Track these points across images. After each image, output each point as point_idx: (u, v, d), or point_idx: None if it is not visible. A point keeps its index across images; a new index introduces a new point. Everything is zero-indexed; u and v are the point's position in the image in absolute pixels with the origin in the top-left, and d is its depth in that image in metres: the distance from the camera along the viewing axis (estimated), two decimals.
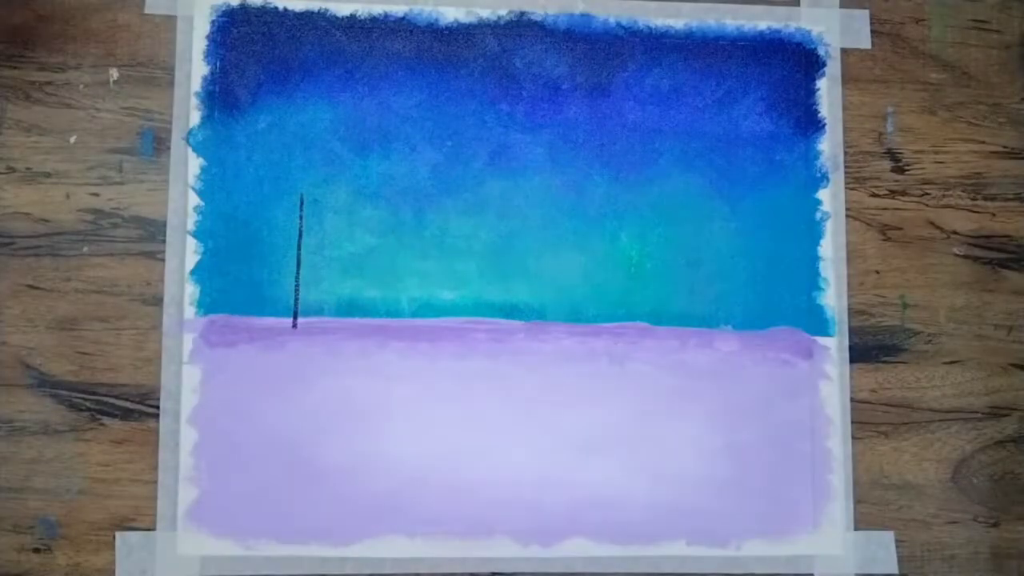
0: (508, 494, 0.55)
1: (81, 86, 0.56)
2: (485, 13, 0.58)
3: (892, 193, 0.59)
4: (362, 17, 0.58)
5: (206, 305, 0.55)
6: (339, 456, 0.55)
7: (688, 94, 0.58)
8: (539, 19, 0.58)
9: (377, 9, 0.58)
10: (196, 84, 0.56)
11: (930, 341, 0.59)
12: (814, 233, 0.58)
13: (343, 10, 0.57)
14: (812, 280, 0.58)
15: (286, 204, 0.56)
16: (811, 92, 0.59)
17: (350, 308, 0.56)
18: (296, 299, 0.56)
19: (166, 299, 0.55)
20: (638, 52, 0.59)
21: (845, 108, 0.59)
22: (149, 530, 0.54)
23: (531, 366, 0.55)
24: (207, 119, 0.56)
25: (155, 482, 0.54)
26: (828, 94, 0.59)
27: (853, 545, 0.56)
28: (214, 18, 0.57)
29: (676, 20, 0.59)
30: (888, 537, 0.57)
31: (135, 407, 0.55)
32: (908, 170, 0.60)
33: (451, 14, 0.58)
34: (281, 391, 0.55)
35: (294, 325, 0.55)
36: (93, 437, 0.54)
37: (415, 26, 0.58)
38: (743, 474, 0.56)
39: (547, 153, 0.58)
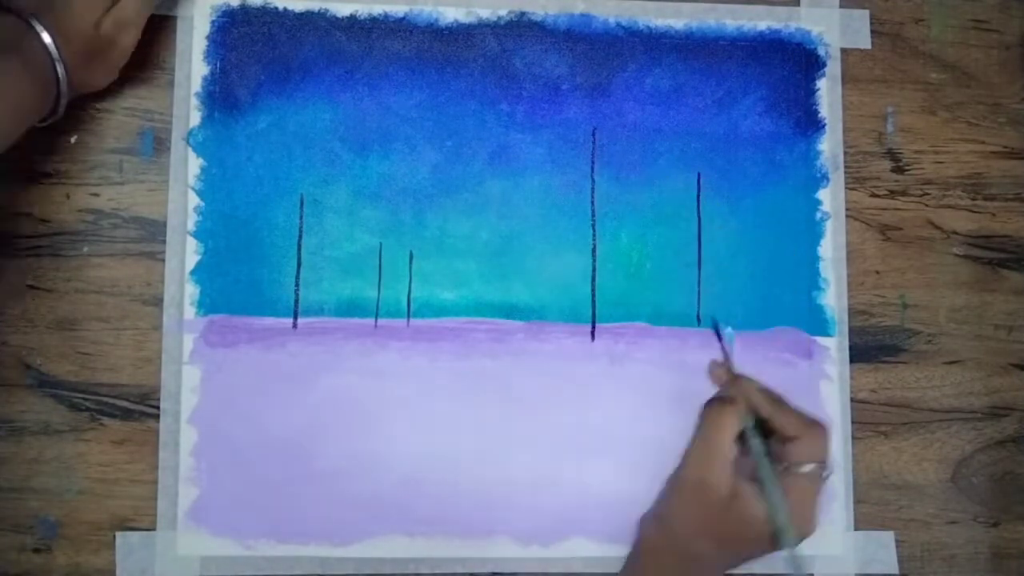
0: (508, 494, 0.55)
1: None
2: (485, 13, 0.58)
3: (892, 193, 0.59)
4: (362, 17, 0.58)
5: (206, 305, 0.55)
6: (339, 456, 0.55)
7: (688, 94, 0.58)
8: (539, 19, 0.58)
9: (377, 9, 0.58)
10: (196, 84, 0.56)
11: (930, 341, 0.59)
12: (814, 233, 0.58)
13: (343, 10, 0.57)
14: (812, 280, 0.58)
15: (286, 204, 0.56)
16: (811, 92, 0.59)
17: (350, 308, 0.56)
18: (296, 299, 0.56)
19: (166, 299, 0.55)
20: (638, 52, 0.59)
21: (845, 108, 0.59)
22: (149, 530, 0.54)
23: (531, 366, 0.55)
24: (207, 119, 0.56)
25: (155, 482, 0.54)
26: (828, 94, 0.59)
27: (853, 545, 0.56)
28: (214, 18, 0.57)
29: (676, 20, 0.59)
30: (888, 537, 0.57)
31: (135, 407, 0.55)
32: (908, 170, 0.60)
33: (451, 14, 0.58)
34: (281, 391, 0.55)
35: (294, 325, 0.55)
36: (93, 437, 0.54)
37: (415, 26, 0.58)
38: None
39: (547, 153, 0.58)
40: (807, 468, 0.40)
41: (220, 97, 0.56)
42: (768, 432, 0.42)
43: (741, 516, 0.41)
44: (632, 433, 0.55)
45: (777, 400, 0.43)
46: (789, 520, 0.40)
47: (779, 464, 0.41)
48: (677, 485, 0.43)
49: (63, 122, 0.55)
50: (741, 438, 0.42)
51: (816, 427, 0.42)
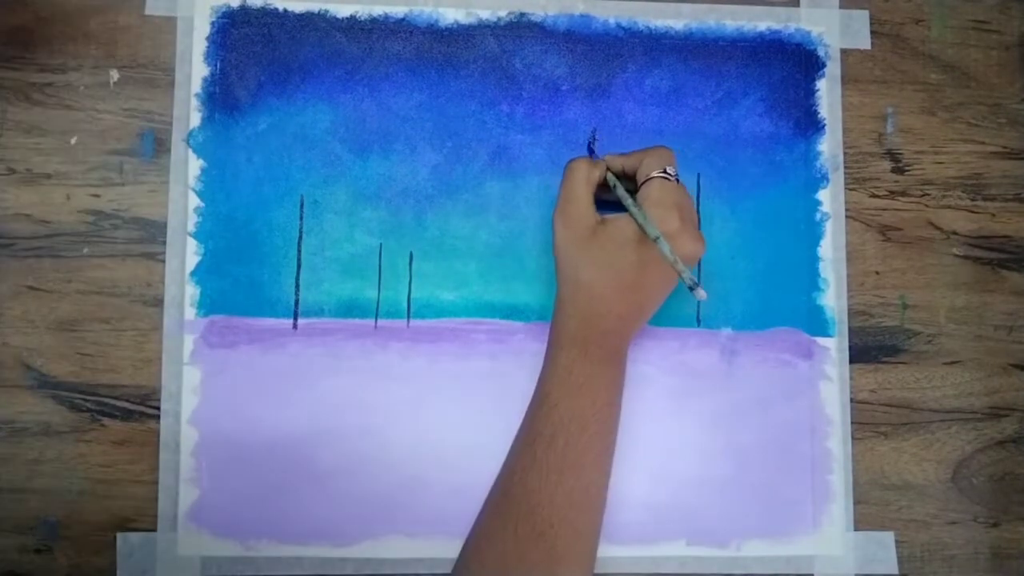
0: None
1: (81, 87, 0.56)
2: (485, 14, 0.58)
3: (892, 194, 0.59)
4: (362, 18, 0.58)
5: (206, 306, 0.55)
6: (339, 456, 0.55)
7: (688, 95, 0.59)
8: (539, 20, 0.58)
9: (377, 10, 0.58)
10: (196, 85, 0.56)
11: (930, 341, 0.59)
12: (814, 234, 0.58)
13: (343, 11, 0.58)
14: (812, 281, 0.58)
15: (286, 205, 0.56)
16: (811, 93, 0.59)
17: (350, 309, 0.56)
18: (296, 300, 0.56)
19: (166, 300, 0.55)
20: (638, 53, 0.59)
21: (845, 109, 0.59)
22: (150, 531, 0.54)
23: (531, 366, 0.55)
24: (207, 120, 0.56)
25: (156, 483, 0.54)
26: (828, 95, 0.59)
27: (853, 545, 0.56)
28: (214, 19, 0.57)
29: (676, 21, 0.59)
30: (888, 537, 0.57)
31: (136, 408, 0.55)
32: (908, 170, 0.60)
33: (451, 15, 0.58)
34: (281, 392, 0.55)
35: (294, 326, 0.55)
36: (94, 438, 0.55)
37: (415, 27, 0.58)
38: (743, 474, 0.56)
39: (547, 154, 0.58)
40: (655, 174, 0.48)
41: (220, 98, 0.56)
42: (630, 181, 0.51)
43: (612, 236, 0.48)
44: (631, 433, 0.55)
45: (629, 153, 0.51)
46: (649, 219, 0.47)
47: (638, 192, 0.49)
48: (554, 227, 0.50)
49: (64, 123, 0.56)
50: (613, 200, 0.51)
51: (658, 147, 0.50)
